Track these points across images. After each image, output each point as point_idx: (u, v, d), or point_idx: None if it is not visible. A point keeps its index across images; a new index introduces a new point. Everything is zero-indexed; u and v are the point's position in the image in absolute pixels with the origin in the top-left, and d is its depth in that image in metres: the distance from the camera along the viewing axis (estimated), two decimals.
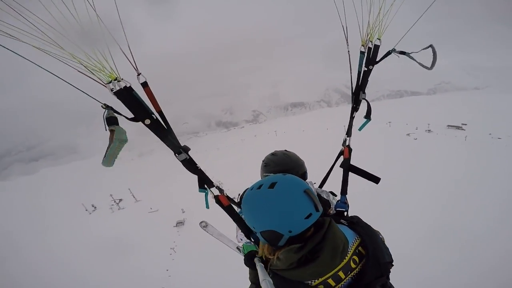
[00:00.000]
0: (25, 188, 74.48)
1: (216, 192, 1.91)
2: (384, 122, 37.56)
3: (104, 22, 1.31)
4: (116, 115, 1.43)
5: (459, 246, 12.79)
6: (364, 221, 1.50)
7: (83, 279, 21.95)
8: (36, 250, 28.25)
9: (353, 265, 1.25)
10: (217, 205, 1.91)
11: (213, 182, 1.90)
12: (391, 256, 1.36)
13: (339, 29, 2.06)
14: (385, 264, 1.28)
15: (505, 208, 16.82)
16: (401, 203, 16.05)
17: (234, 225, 2.03)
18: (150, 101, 1.54)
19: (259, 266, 1.43)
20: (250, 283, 1.88)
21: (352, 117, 2.32)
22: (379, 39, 2.10)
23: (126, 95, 1.43)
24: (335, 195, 2.45)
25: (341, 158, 2.32)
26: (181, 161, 1.75)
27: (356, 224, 1.45)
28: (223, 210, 1.94)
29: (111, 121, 1.41)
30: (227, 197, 1.96)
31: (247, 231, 1.92)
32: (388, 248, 1.40)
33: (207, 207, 1.94)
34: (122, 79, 1.41)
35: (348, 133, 2.31)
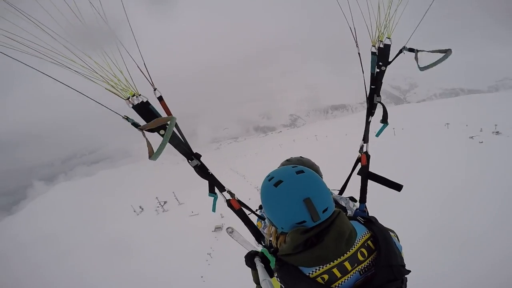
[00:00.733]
0: (86, 188, 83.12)
1: (228, 196, 2.01)
2: (441, 124, 33.64)
3: (123, 39, 1.49)
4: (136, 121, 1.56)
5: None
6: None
7: (117, 278, 23.27)
8: (85, 249, 31.19)
9: (360, 258, 1.22)
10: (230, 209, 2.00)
11: (224, 187, 1.99)
12: (403, 260, 1.30)
13: (347, 29, 2.04)
14: (397, 266, 1.20)
15: None
16: (468, 212, 13.86)
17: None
18: (166, 113, 1.69)
19: (259, 266, 1.44)
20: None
21: (368, 122, 2.25)
22: (389, 38, 2.04)
23: (143, 108, 1.61)
24: (355, 201, 2.37)
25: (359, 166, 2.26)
26: (193, 167, 1.86)
27: (372, 223, 1.41)
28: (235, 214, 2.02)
29: (137, 125, 1.54)
30: (238, 201, 2.06)
31: (257, 235, 2.01)
32: (401, 252, 1.35)
33: (213, 210, 2.07)
34: (140, 94, 1.60)
35: (365, 139, 2.26)
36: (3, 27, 1.15)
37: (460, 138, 26.23)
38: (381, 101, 2.20)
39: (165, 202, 37.79)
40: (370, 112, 2.25)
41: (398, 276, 1.18)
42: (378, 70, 2.11)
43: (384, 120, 2.20)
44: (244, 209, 2.09)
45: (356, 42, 2.09)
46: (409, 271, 1.25)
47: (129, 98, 1.57)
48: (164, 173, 74.66)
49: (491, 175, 17.81)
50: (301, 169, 1.32)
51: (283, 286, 1.28)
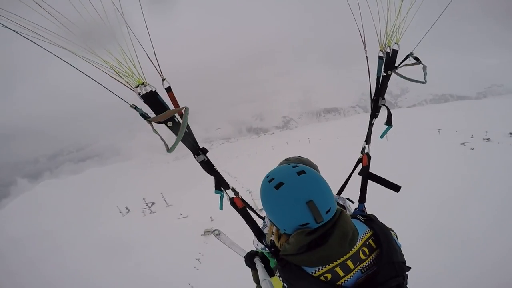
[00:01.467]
0: (72, 186, 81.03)
1: (231, 195, 1.99)
2: (433, 129, 33.78)
3: (133, 30, 1.48)
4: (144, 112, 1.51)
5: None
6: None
7: (99, 283, 21.89)
8: (72, 249, 29.64)
9: (362, 256, 1.23)
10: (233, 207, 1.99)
11: (228, 185, 1.96)
12: (403, 257, 1.30)
13: (357, 34, 2.06)
14: (399, 263, 1.22)
15: None
16: (461, 220, 13.53)
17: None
18: (173, 104, 1.65)
19: (259, 266, 1.47)
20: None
21: (371, 124, 2.29)
22: (397, 44, 2.08)
23: (151, 98, 1.56)
24: (352, 202, 2.39)
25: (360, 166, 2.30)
26: (199, 162, 1.83)
27: (372, 221, 1.42)
28: (238, 212, 2.01)
29: (146, 116, 1.50)
30: (242, 199, 2.03)
31: (259, 234, 1.98)
32: (400, 249, 1.35)
33: (221, 208, 2.04)
34: (148, 84, 1.54)
35: (367, 140, 2.29)
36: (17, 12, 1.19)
37: (452, 144, 26.28)
38: (386, 104, 2.21)
39: (152, 204, 36.48)
40: (374, 114, 2.27)
41: (399, 272, 1.19)
42: (384, 74, 2.14)
43: (389, 122, 2.25)
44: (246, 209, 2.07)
45: (365, 46, 2.11)
46: (410, 268, 1.26)
47: (138, 86, 1.51)
48: (153, 173, 73.31)
49: (484, 182, 17.70)
50: (302, 169, 1.28)
51: (285, 286, 1.27)
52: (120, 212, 37.08)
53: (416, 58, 2.08)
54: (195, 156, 1.81)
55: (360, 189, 2.30)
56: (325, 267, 1.19)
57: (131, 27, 1.46)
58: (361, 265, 1.22)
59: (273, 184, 1.25)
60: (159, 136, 1.47)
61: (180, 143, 1.63)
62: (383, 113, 2.31)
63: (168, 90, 1.63)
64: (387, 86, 2.20)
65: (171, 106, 1.63)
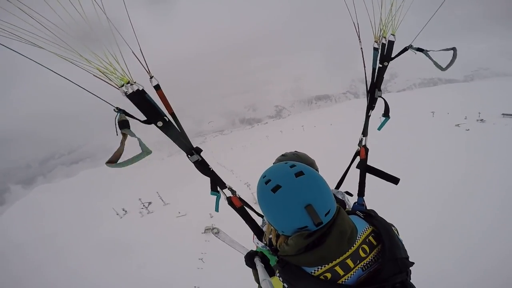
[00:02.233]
0: (67, 190, 79.84)
1: (229, 194, 2.00)
2: (426, 112, 33.88)
3: (113, 24, 1.35)
4: (128, 118, 1.44)
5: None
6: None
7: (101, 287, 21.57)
8: (73, 254, 29.09)
9: (362, 254, 1.22)
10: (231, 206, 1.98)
11: (225, 183, 1.96)
12: (406, 252, 1.28)
13: (351, 24, 2.00)
14: (402, 259, 1.21)
15: None
16: (466, 204, 13.37)
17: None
18: (163, 103, 1.58)
19: (259, 266, 1.46)
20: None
21: (368, 116, 2.26)
22: (393, 35, 2.05)
23: (138, 98, 1.47)
24: (351, 195, 2.39)
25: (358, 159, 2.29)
26: (193, 162, 1.78)
27: (372, 217, 1.41)
28: (236, 211, 2.00)
29: (123, 125, 1.41)
30: (239, 198, 2.03)
31: (259, 232, 1.99)
32: (403, 244, 1.33)
33: (217, 210, 2.00)
34: (135, 82, 1.47)
35: (364, 132, 2.27)
36: None
37: (447, 126, 26.41)
38: (382, 96, 2.19)
39: (149, 203, 35.94)
40: (371, 106, 2.24)
41: (403, 268, 1.18)
42: (380, 66, 2.11)
43: (386, 114, 2.24)
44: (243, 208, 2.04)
45: (359, 37, 2.07)
46: (413, 263, 1.24)
47: (123, 85, 1.43)
48: (148, 171, 72.40)
49: (482, 162, 17.82)
50: (300, 169, 1.25)
51: (285, 286, 1.26)
52: (117, 214, 36.46)
53: (419, 49, 1.97)
54: (189, 156, 1.76)
55: (359, 183, 2.28)
56: (324, 266, 1.19)
57: (113, 21, 1.33)
58: (362, 263, 1.21)
59: (270, 186, 1.22)
60: (120, 147, 1.37)
61: (171, 142, 1.63)
62: (378, 104, 2.26)
63: (157, 88, 1.54)
64: (383, 77, 2.17)
65: (160, 105, 1.56)
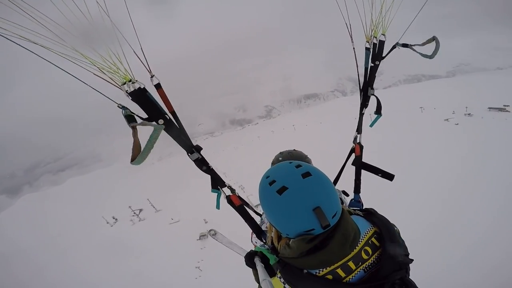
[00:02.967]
0: (54, 198, 77.89)
1: (228, 192, 1.97)
2: (414, 108, 34.41)
3: (115, 23, 1.39)
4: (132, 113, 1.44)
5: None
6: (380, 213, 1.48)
7: None
8: (58, 270, 27.85)
9: (364, 256, 1.20)
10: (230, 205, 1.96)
11: (224, 182, 1.93)
12: (407, 249, 1.29)
13: (343, 24, 2.11)
14: (402, 256, 1.20)
15: None
16: (467, 201, 13.31)
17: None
18: (163, 102, 1.58)
19: (259, 266, 1.44)
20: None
21: (361, 114, 2.29)
22: (384, 35, 2.12)
23: (140, 96, 1.47)
24: (347, 195, 2.40)
25: (353, 156, 2.32)
26: (193, 160, 1.80)
27: (372, 215, 1.40)
28: (235, 210, 1.98)
29: (131, 119, 1.40)
30: (239, 197, 2.00)
31: (258, 231, 1.98)
32: (404, 241, 1.33)
33: (218, 207, 1.99)
34: (136, 80, 1.46)
35: (358, 130, 2.31)
36: None
37: (436, 120, 26.81)
38: (375, 94, 2.23)
39: (140, 210, 34.97)
40: (364, 104, 2.29)
41: (402, 265, 1.17)
42: (372, 65, 2.17)
43: (378, 111, 2.27)
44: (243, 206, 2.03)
45: (351, 37, 2.13)
46: (412, 260, 1.24)
47: (124, 83, 1.43)
48: (138, 176, 70.89)
49: (475, 155, 18.05)
50: (306, 170, 1.19)
51: (286, 287, 1.25)
52: (108, 223, 35.33)
53: (404, 45, 2.09)
54: (189, 154, 1.77)
55: (355, 180, 2.30)
56: (326, 269, 1.17)
57: (115, 22, 1.38)
58: (364, 265, 1.19)
59: (275, 188, 1.16)
60: (135, 142, 1.34)
61: (171, 139, 1.62)
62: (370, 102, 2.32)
63: (158, 87, 1.55)
64: (375, 76, 2.21)
65: (161, 104, 1.56)
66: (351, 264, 1.17)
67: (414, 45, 2.06)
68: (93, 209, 47.48)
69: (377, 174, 2.23)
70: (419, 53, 2.03)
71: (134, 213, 33.33)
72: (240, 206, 1.97)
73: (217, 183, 1.89)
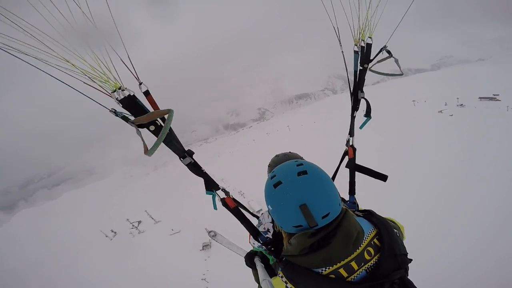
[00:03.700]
0: (50, 213, 76.41)
1: (222, 195, 1.98)
2: (406, 102, 34.74)
3: (100, 30, 1.40)
4: (125, 114, 1.47)
5: None
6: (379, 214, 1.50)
7: None
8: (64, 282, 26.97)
9: (367, 257, 1.21)
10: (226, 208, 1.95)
11: (218, 185, 1.95)
12: (405, 249, 1.31)
13: (331, 26, 2.13)
14: (401, 255, 1.23)
15: None
16: (468, 192, 13.26)
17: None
18: (153, 108, 1.60)
19: (259, 266, 1.50)
20: None
21: (353, 117, 2.35)
22: (370, 38, 2.15)
23: (130, 103, 1.50)
24: (345, 201, 2.33)
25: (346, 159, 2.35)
26: (186, 165, 1.81)
27: (372, 215, 1.42)
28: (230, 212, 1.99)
29: (127, 118, 1.45)
30: (233, 199, 2.02)
31: (255, 233, 1.99)
32: (402, 241, 1.37)
33: (215, 208, 1.99)
34: (126, 88, 1.48)
35: (351, 133, 2.33)
36: None
37: (430, 113, 27.09)
38: (365, 97, 2.27)
39: (139, 222, 34.36)
40: (355, 107, 2.31)
41: (402, 265, 1.20)
42: (361, 68, 2.20)
43: (368, 114, 2.29)
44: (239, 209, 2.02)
45: (340, 41, 2.16)
46: (411, 260, 1.26)
47: (114, 91, 1.46)
48: (134, 188, 69.79)
49: (473, 145, 18.18)
50: (304, 169, 1.25)
51: (288, 286, 1.26)
52: (107, 236, 34.60)
53: (388, 52, 2.17)
54: (181, 159, 1.78)
55: (349, 182, 2.32)
56: (328, 268, 1.18)
57: (104, 29, 1.41)
58: (366, 266, 1.20)
59: (273, 181, 1.25)
60: (141, 137, 1.41)
61: (165, 148, 1.64)
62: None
63: (147, 93, 1.59)
64: (364, 79, 2.23)
65: (151, 110, 1.59)
66: (353, 264, 1.19)
67: (396, 59, 2.24)
68: (90, 222, 46.58)
69: (370, 176, 2.27)
70: (399, 66, 2.19)
71: (133, 225, 32.76)
72: (235, 208, 2.00)
73: (211, 186, 1.91)
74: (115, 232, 34.66)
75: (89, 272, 27.12)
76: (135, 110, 1.51)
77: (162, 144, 1.61)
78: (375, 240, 1.28)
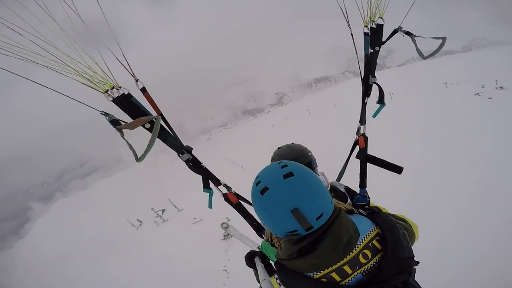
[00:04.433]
0: (83, 202, 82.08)
1: (224, 190, 2.02)
2: (438, 84, 31.87)
3: (98, 29, 1.34)
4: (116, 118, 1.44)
5: None
6: (390, 212, 1.42)
7: None
8: (93, 277, 28.50)
9: (362, 260, 1.15)
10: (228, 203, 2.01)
11: (219, 180, 1.96)
12: (412, 251, 1.24)
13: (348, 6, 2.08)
14: (405, 259, 1.14)
15: None
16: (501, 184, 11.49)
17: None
18: (151, 105, 1.58)
19: (259, 266, 1.47)
20: None
21: (364, 103, 2.18)
22: (381, 18, 1.98)
23: (124, 102, 1.46)
24: (354, 192, 2.30)
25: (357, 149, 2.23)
26: (184, 161, 1.79)
27: (376, 214, 1.34)
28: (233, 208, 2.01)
29: (115, 123, 1.41)
30: (236, 194, 2.05)
31: (258, 228, 2.04)
32: (409, 243, 1.28)
33: (210, 206, 2.00)
34: (120, 87, 1.44)
35: (362, 121, 2.22)
36: None
37: (466, 96, 24.60)
38: (377, 82, 2.12)
39: (163, 211, 35.25)
40: (366, 93, 2.16)
41: (405, 269, 1.13)
42: (372, 51, 2.05)
43: (381, 100, 2.18)
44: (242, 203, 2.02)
45: (348, 22, 2.02)
46: (418, 262, 1.19)
47: (107, 91, 1.42)
48: (158, 175, 72.28)
49: None
50: (290, 170, 1.17)
51: None
52: (133, 226, 35.97)
53: (407, 33, 1.97)
54: (180, 155, 1.76)
55: (360, 174, 2.20)
56: (320, 272, 1.14)
57: (98, 24, 1.35)
58: (361, 269, 1.15)
59: (259, 188, 1.18)
60: (128, 144, 1.39)
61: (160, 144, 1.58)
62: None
63: (143, 90, 1.55)
64: (376, 63, 2.11)
65: (148, 107, 1.57)
66: (346, 268, 1.13)
67: (418, 36, 1.95)
68: (118, 211, 49.00)
69: (383, 167, 2.11)
70: (417, 48, 1.95)
71: (158, 214, 33.62)
72: (237, 203, 1.98)
73: (212, 182, 1.88)
74: (141, 221, 35.93)
75: (114, 264, 28.37)
76: (130, 109, 1.46)
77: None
78: (374, 241, 1.20)
